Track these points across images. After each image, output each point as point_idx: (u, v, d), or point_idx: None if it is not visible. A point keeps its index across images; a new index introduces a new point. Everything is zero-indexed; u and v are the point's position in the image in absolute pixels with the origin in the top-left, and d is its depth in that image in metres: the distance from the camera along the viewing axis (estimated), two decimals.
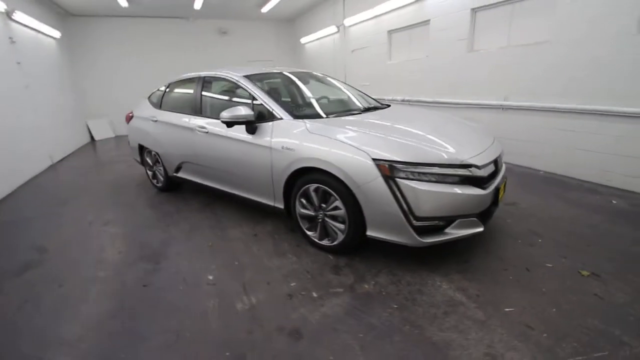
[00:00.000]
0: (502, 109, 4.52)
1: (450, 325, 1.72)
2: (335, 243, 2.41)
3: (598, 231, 2.65)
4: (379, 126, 2.51)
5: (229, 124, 2.69)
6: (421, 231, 2.05)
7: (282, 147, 2.47)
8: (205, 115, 3.23)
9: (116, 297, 2.11)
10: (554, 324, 1.70)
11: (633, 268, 2.15)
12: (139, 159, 4.39)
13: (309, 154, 2.31)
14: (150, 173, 4.26)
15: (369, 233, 2.19)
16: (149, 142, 3.95)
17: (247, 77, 3.01)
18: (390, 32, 6.49)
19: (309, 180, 2.38)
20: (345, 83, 3.68)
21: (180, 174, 3.68)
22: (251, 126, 2.67)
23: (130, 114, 4.39)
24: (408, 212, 2.00)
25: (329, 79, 3.68)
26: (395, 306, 1.88)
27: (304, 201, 2.49)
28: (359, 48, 7.55)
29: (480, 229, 2.15)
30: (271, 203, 2.77)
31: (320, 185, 2.32)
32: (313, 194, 2.40)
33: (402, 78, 6.35)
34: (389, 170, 2.00)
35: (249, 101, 2.83)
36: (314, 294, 2.03)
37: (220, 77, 3.27)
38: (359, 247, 2.42)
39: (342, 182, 2.18)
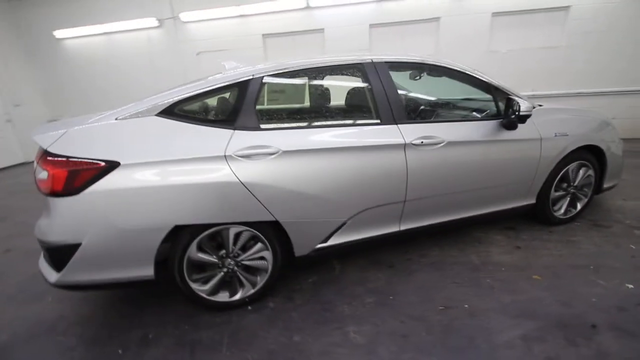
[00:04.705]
0: None
1: None
2: (575, 212, 2.69)
3: None
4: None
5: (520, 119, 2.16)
6: None
7: (555, 135, 2.38)
8: (422, 119, 2.28)
9: None
10: None
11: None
12: (151, 273, 1.71)
13: (586, 135, 2.48)
14: (202, 287, 1.84)
15: (605, 185, 2.76)
16: (239, 209, 1.72)
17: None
18: (265, 35, 5.99)
19: (569, 160, 2.51)
20: None
21: (335, 240, 2.03)
22: (513, 121, 2.26)
23: (80, 168, 1.53)
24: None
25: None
26: None
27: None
28: (211, 50, 6.21)
29: None
30: (523, 203, 2.49)
31: (579, 162, 2.55)
32: (571, 173, 2.56)
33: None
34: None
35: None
36: None
37: (426, 63, 2.40)
38: None
39: (594, 154, 2.58)
